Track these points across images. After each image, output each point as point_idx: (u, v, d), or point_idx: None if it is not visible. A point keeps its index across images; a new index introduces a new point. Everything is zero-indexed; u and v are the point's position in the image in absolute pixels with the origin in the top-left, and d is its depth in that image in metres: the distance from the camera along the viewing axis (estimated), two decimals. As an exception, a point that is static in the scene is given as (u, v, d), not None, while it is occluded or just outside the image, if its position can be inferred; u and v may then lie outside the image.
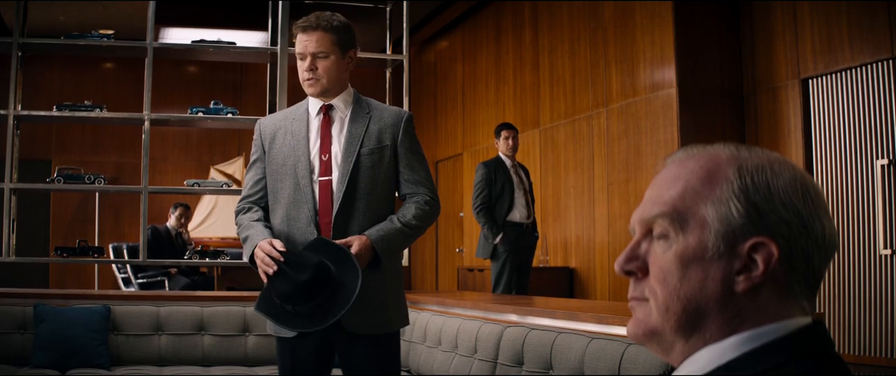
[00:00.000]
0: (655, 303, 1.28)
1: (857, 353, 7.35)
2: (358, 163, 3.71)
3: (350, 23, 3.82)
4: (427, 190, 3.78)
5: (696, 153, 1.33)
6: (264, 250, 3.50)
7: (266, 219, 3.82)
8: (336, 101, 3.81)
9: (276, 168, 3.81)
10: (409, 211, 3.73)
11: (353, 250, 3.53)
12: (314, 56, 3.71)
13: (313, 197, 3.70)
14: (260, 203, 3.86)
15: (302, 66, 3.75)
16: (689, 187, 1.28)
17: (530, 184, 8.44)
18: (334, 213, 3.69)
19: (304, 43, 3.73)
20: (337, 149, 3.75)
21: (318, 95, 3.79)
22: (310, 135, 3.78)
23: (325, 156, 3.74)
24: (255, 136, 3.95)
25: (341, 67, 3.76)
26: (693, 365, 1.26)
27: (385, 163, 3.75)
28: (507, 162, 8.27)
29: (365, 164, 3.71)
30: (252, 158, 3.93)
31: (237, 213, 3.89)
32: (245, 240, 3.71)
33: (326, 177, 3.72)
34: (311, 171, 3.73)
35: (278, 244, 3.52)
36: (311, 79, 3.73)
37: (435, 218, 3.82)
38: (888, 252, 7.15)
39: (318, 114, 3.81)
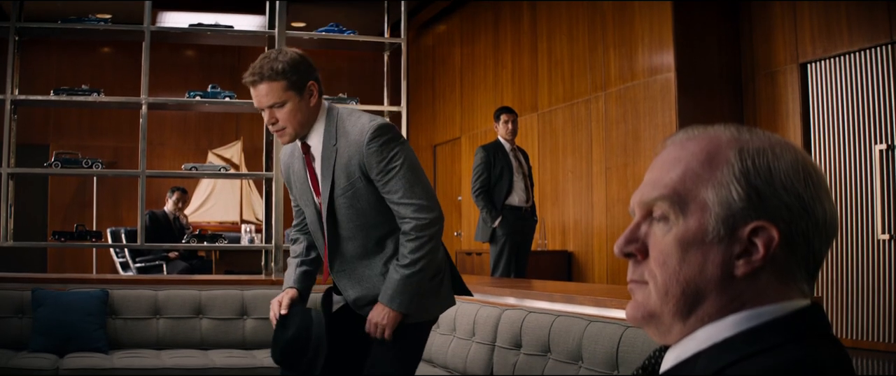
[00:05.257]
0: (655, 286, 1.27)
1: (854, 338, 7.36)
2: (334, 207, 3.63)
3: (298, 54, 3.62)
4: (410, 210, 3.55)
5: (696, 135, 1.32)
6: (272, 310, 3.74)
7: (310, 247, 3.95)
8: (312, 137, 3.66)
9: (298, 202, 3.89)
10: (403, 249, 3.57)
11: (388, 333, 3.58)
12: (270, 108, 3.53)
13: (323, 233, 3.74)
14: (305, 229, 3.96)
15: (265, 119, 3.61)
16: (689, 170, 1.27)
17: (529, 168, 8.42)
18: (327, 254, 3.74)
19: (257, 97, 3.55)
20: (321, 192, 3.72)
21: (292, 142, 3.69)
22: (307, 177, 3.74)
23: (318, 199, 3.70)
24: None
25: (303, 107, 3.57)
26: (691, 342, 1.26)
27: (362, 194, 3.59)
28: (507, 145, 8.25)
29: (342, 205, 3.62)
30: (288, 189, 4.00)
31: (290, 242, 4.06)
32: (285, 277, 3.93)
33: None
34: (319, 213, 3.72)
35: (285, 304, 3.69)
36: (277, 130, 3.59)
37: (433, 235, 3.59)
38: (886, 237, 7.15)
39: (304, 153, 3.71)
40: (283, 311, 3.65)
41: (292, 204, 4.00)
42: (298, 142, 3.70)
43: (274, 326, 3.68)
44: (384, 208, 3.61)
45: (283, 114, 3.53)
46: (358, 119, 3.61)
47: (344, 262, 3.72)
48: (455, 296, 3.88)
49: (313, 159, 3.67)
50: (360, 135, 3.54)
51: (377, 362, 3.63)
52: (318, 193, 3.69)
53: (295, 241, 3.99)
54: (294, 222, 4.04)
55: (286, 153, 3.88)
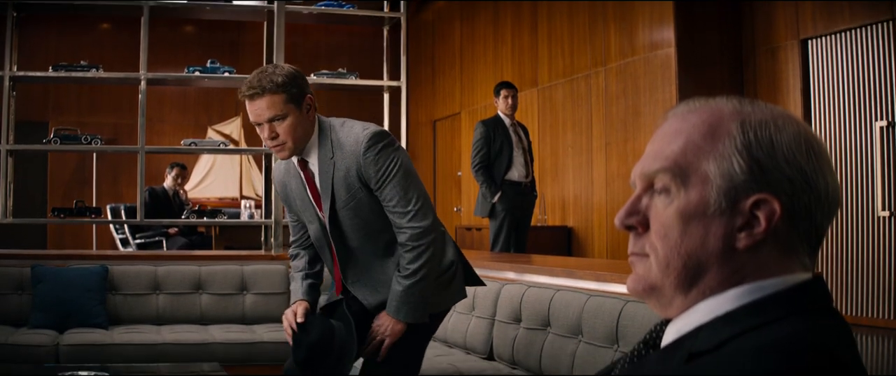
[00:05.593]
0: (656, 259, 1.27)
1: (854, 314, 7.36)
2: (338, 219, 3.64)
3: (294, 68, 3.59)
4: (405, 220, 3.55)
5: (698, 107, 1.31)
6: (287, 320, 3.70)
7: (315, 261, 3.97)
8: (309, 154, 3.64)
9: (300, 217, 3.88)
10: (403, 260, 3.58)
11: (388, 343, 3.60)
12: (270, 122, 3.48)
13: (329, 245, 3.77)
14: (305, 244, 3.97)
15: (262, 134, 3.55)
16: (690, 142, 1.26)
17: (529, 143, 8.41)
18: (339, 268, 3.76)
19: (256, 111, 3.49)
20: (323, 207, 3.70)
21: (290, 158, 3.65)
22: (307, 194, 3.73)
23: (322, 214, 3.70)
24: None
25: (303, 120, 3.53)
26: (692, 315, 1.25)
27: (365, 203, 3.60)
28: (506, 120, 8.24)
29: (346, 216, 3.63)
30: (284, 206, 4.01)
31: (291, 258, 4.06)
32: (292, 292, 3.95)
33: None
34: (324, 227, 3.73)
35: (300, 314, 3.67)
36: (276, 145, 3.53)
37: (429, 242, 3.58)
38: (886, 213, 7.15)
39: (301, 169, 3.70)
40: (300, 320, 3.65)
41: (290, 220, 4.00)
42: (293, 160, 3.69)
43: (289, 338, 3.68)
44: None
45: (284, 127, 3.49)
46: (351, 129, 3.60)
47: (358, 272, 3.74)
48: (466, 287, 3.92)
49: (312, 175, 3.66)
50: (356, 145, 3.54)
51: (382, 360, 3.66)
52: (321, 208, 3.68)
53: (295, 257, 4.01)
54: (292, 238, 4.03)
55: (280, 171, 3.87)
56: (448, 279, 3.76)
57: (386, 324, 3.60)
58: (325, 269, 3.99)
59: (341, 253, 3.71)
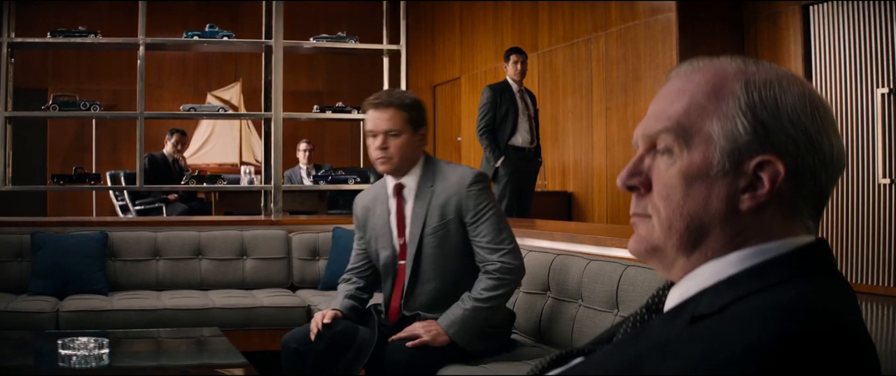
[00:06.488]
0: (658, 220, 1.26)
1: (854, 281, 7.35)
2: (421, 246, 3.76)
3: (420, 100, 3.83)
4: (499, 254, 3.69)
5: (701, 66, 1.29)
6: (315, 322, 3.81)
7: (363, 290, 4.07)
8: (408, 179, 3.82)
9: (372, 249, 3.98)
10: (480, 284, 3.70)
11: (422, 340, 3.62)
12: (386, 134, 3.70)
13: (393, 278, 3.88)
14: (363, 274, 4.08)
15: (373, 144, 3.74)
16: (694, 102, 1.25)
17: (536, 110, 8.42)
18: (402, 299, 3.85)
19: (376, 120, 3.72)
20: (408, 231, 3.80)
21: (389, 173, 3.81)
22: (390, 219, 3.85)
23: (401, 240, 3.82)
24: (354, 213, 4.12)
25: (413, 145, 3.76)
26: (695, 279, 1.24)
27: (452, 237, 3.75)
28: (514, 86, 8.24)
29: (430, 244, 3.75)
30: (356, 234, 4.13)
31: (341, 281, 4.15)
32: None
33: (404, 261, 3.83)
34: (396, 255, 3.85)
35: (328, 317, 3.78)
36: (383, 157, 3.73)
37: (513, 281, 3.76)
38: (887, 181, 7.12)
39: (394, 194, 3.85)
40: (327, 321, 3.76)
41: (356, 248, 4.12)
42: (388, 184, 3.87)
43: (312, 336, 3.76)
44: (467, 257, 3.77)
45: (396, 143, 3.71)
46: (457, 168, 3.87)
47: (413, 308, 3.84)
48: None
49: (404, 200, 3.82)
50: (462, 179, 3.76)
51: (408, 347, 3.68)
52: (401, 234, 3.82)
53: (347, 281, 4.10)
54: (351, 265, 4.14)
55: (368, 196, 4.03)
56: (495, 334, 3.86)
57: (433, 328, 3.65)
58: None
59: (410, 281, 3.81)
